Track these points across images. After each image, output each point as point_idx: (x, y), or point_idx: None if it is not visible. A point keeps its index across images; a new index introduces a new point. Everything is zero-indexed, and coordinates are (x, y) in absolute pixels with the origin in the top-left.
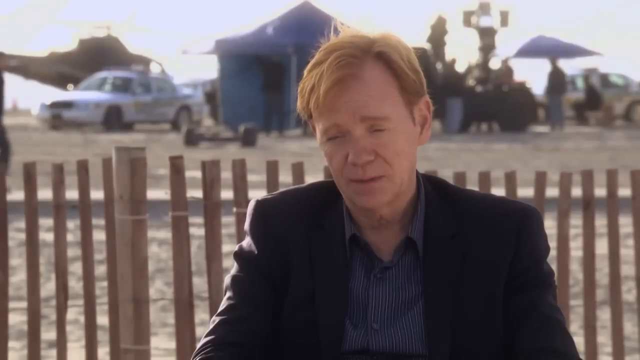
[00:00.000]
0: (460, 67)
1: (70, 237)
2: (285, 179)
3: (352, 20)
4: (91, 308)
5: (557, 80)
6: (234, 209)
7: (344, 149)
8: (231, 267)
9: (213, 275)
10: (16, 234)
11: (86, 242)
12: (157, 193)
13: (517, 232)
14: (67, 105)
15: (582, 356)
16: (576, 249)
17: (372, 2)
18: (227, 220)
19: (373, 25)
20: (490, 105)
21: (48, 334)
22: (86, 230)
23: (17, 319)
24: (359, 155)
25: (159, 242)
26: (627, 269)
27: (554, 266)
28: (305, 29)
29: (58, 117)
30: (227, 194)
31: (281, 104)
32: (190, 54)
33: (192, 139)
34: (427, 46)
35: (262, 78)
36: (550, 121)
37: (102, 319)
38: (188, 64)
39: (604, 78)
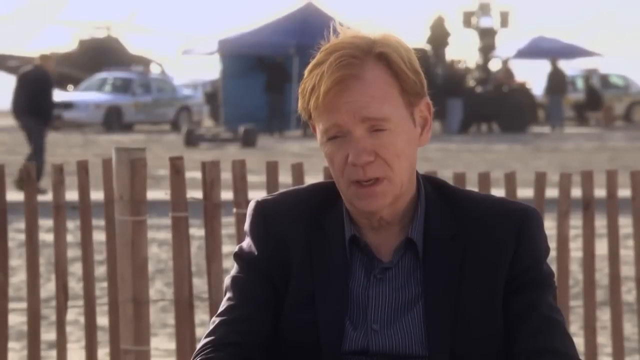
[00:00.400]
0: (461, 68)
1: (70, 238)
2: (285, 179)
3: (355, 21)
4: (91, 308)
5: (558, 81)
6: (234, 210)
7: (345, 149)
8: (231, 267)
9: (213, 276)
10: (16, 234)
11: (86, 243)
12: (157, 193)
13: (517, 232)
14: (67, 105)
15: (582, 356)
16: (576, 250)
17: (373, 3)
18: (227, 221)
19: (374, 26)
20: (491, 105)
21: (48, 334)
22: (86, 230)
23: (17, 319)
24: (359, 156)
25: (159, 242)
26: (627, 269)
27: (553, 267)
28: (308, 30)
29: (58, 118)
30: (227, 195)
31: (283, 105)
32: (191, 54)
33: (192, 140)
34: (427, 47)
35: (265, 79)
36: (550, 122)
37: (102, 320)
38: (188, 64)
39: (604, 78)
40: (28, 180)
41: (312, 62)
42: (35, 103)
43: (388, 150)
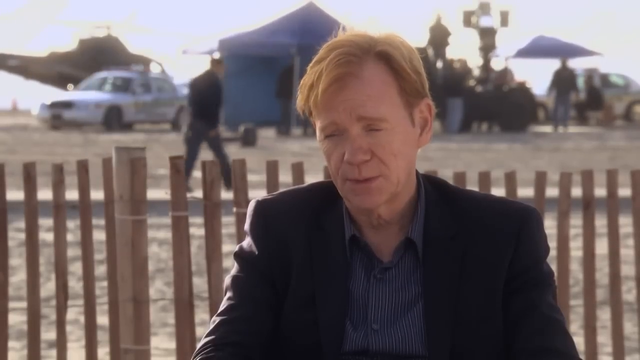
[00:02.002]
0: (461, 67)
1: (70, 237)
2: (285, 179)
3: (357, 21)
4: (91, 308)
5: (566, 80)
6: (234, 209)
7: (341, 147)
8: (231, 267)
9: (213, 275)
10: (16, 234)
11: (86, 242)
12: (157, 193)
13: (517, 232)
14: (67, 105)
15: (582, 356)
16: (576, 249)
17: (374, 3)
18: (227, 220)
19: (379, 26)
20: (491, 105)
21: (48, 334)
22: (86, 230)
23: (17, 319)
24: (355, 155)
25: (159, 242)
26: (627, 269)
27: (554, 266)
28: (309, 29)
29: (58, 117)
30: (227, 194)
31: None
32: (190, 54)
33: None
34: (428, 47)
35: (275, 84)
36: (555, 121)
37: (102, 319)
38: (188, 64)
39: (604, 78)
40: (28, 180)
41: (314, 59)
42: (205, 107)
43: (384, 149)
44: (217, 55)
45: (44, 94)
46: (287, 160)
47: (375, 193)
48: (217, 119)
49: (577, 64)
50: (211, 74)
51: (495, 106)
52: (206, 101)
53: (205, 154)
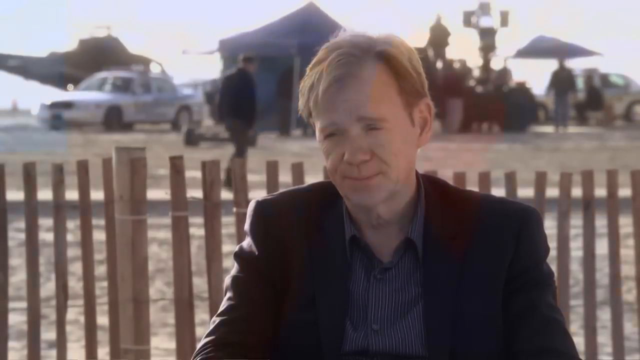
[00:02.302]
0: (461, 67)
1: (70, 237)
2: (285, 179)
3: (357, 22)
4: (91, 308)
5: (565, 80)
6: (234, 209)
7: (341, 147)
8: (231, 267)
9: (213, 276)
10: (16, 234)
11: (86, 242)
12: (157, 193)
13: (517, 232)
14: (67, 105)
15: (582, 356)
16: (576, 249)
17: (373, 4)
18: (227, 221)
19: (378, 27)
20: (491, 105)
21: (48, 334)
22: (86, 230)
23: (17, 319)
24: (355, 155)
25: (159, 242)
26: (627, 269)
27: (554, 266)
28: (309, 30)
29: (58, 117)
30: (227, 194)
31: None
32: (190, 54)
33: (192, 139)
34: (428, 46)
35: (276, 85)
36: (555, 121)
37: (102, 319)
38: (188, 64)
39: (604, 78)
40: (28, 180)
41: (313, 60)
42: (239, 105)
43: (384, 149)
44: (245, 54)
45: (44, 94)
46: (287, 160)
47: (375, 190)
48: (253, 118)
49: (577, 64)
50: (243, 72)
51: (495, 106)
52: (240, 100)
53: (206, 155)
